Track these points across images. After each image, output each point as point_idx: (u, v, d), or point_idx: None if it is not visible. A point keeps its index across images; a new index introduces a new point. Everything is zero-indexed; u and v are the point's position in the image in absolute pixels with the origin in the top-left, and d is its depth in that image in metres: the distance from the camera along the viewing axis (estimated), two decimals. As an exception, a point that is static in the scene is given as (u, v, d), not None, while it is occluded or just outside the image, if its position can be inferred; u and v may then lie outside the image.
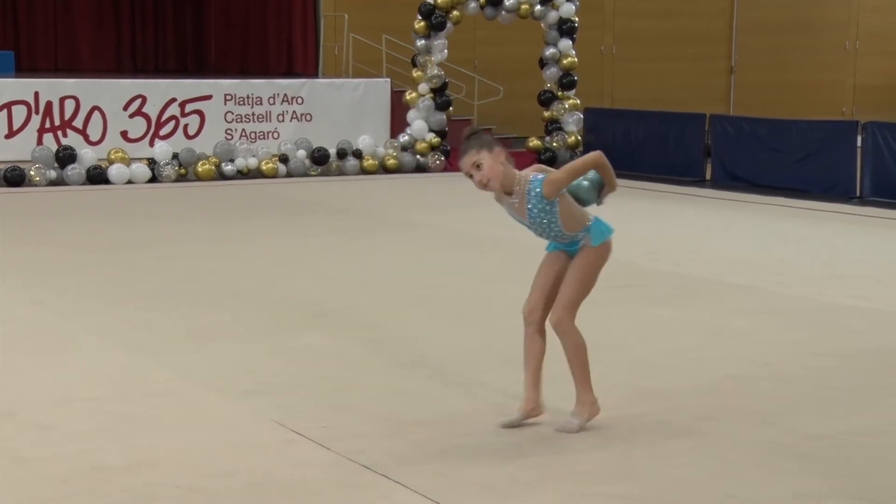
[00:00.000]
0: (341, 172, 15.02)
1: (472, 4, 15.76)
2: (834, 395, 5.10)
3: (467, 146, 4.50)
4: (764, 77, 21.74)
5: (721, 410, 4.89)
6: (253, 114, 15.08)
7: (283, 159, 14.71)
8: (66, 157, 13.46)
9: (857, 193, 12.20)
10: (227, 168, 14.32)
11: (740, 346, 6.02)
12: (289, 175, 14.62)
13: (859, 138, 12.41)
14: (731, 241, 9.70)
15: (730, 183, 13.62)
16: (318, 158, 14.88)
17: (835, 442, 4.49)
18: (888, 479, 4.10)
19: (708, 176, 14.13)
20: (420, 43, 15.73)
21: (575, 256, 4.75)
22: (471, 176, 4.51)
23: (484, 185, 4.52)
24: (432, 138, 15.60)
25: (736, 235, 10.01)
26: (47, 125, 13.82)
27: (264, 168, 14.49)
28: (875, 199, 11.92)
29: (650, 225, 10.67)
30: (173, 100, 14.50)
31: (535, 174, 4.59)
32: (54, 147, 13.59)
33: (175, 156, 14.03)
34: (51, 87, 13.89)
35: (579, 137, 15.99)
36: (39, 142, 13.65)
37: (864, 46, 22.31)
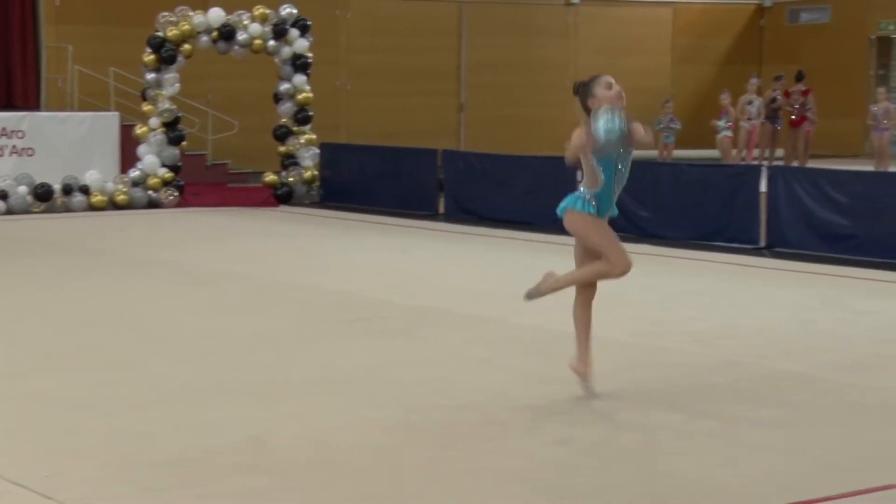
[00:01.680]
0: (67, 209, 14.40)
1: (204, 38, 15.54)
2: (562, 420, 5.33)
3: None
4: (491, 113, 22.58)
5: (456, 439, 5.01)
6: (-32, 148, 14.24)
7: (3, 195, 13.94)
8: None
9: (580, 225, 12.82)
10: (-60, 205, 13.43)
11: (475, 375, 6.19)
12: (9, 212, 13.88)
13: (579, 173, 13.06)
14: (464, 272, 9.99)
15: (462, 216, 14.02)
16: (42, 195, 14.21)
17: (567, 463, 4.69)
18: (615, 499, 4.32)
19: (441, 210, 14.49)
20: (150, 76, 15.35)
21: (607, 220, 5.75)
22: (611, 87, 5.53)
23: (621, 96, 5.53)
24: (165, 173, 15.22)
25: (469, 267, 10.31)
26: None
27: (-19, 205, 13.69)
28: (596, 231, 12.57)
29: (386, 259, 10.83)
30: None
31: None
32: None
33: None
34: None
35: (315, 172, 16.04)
36: None
37: (583, 86, 23.58)
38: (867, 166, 17.04)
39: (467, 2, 22.66)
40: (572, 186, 13.13)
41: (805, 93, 19.70)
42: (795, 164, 18.59)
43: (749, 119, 19.28)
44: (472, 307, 8.19)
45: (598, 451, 4.85)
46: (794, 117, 19.52)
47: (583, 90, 5.65)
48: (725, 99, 19.06)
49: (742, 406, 5.57)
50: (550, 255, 11.11)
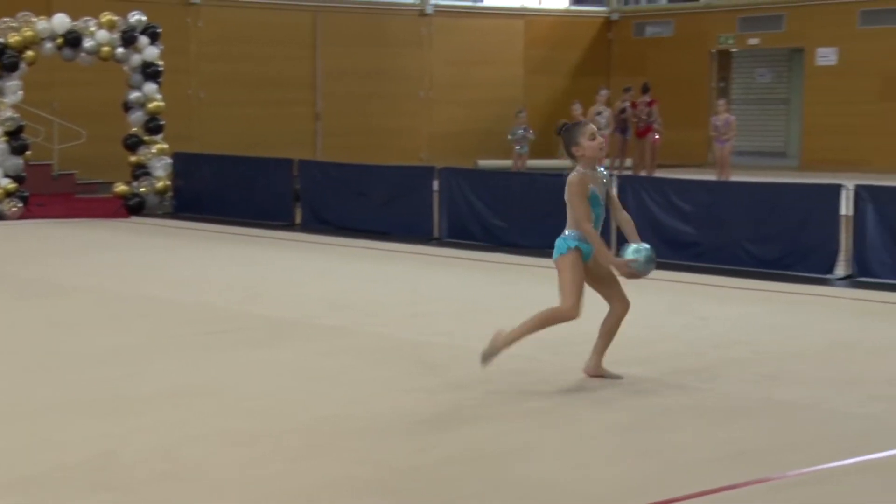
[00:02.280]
0: None
1: (49, 45, 15.10)
2: (420, 429, 5.37)
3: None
4: (348, 123, 22.57)
5: (312, 450, 4.99)
6: None
7: None
8: None
9: (436, 235, 12.94)
10: None
11: (333, 385, 6.18)
12: None
13: (435, 182, 13.20)
14: (321, 283, 9.96)
15: (319, 226, 13.97)
16: None
17: (425, 473, 4.73)
18: None
19: (298, 220, 14.41)
20: (-9, 83, 14.82)
21: (593, 262, 6.12)
22: (594, 138, 6.07)
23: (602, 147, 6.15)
24: (8, 184, 14.72)
25: (326, 278, 10.28)
26: None
27: None
28: (451, 241, 12.71)
29: (242, 270, 10.71)
30: None
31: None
32: None
33: None
34: None
35: (168, 182, 15.75)
36: None
37: (437, 95, 23.83)
38: (710, 175, 17.69)
39: (321, 11, 22.61)
40: (428, 197, 13.35)
41: (650, 104, 20.34)
42: (643, 173, 19.16)
43: (599, 129, 19.73)
44: (329, 318, 8.18)
45: (454, 458, 4.91)
46: (640, 126, 20.14)
47: (567, 135, 6.12)
48: (576, 110, 19.49)
49: (594, 411, 5.72)
50: (406, 265, 11.17)
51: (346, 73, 22.57)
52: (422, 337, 7.54)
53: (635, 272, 6.07)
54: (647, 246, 6.10)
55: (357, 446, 5.07)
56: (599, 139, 6.10)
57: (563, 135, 6.17)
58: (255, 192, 14.85)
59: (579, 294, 6.04)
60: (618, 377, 6.26)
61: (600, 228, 6.19)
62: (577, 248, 6.06)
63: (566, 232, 6.16)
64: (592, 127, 6.14)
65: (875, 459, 4.89)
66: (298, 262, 11.27)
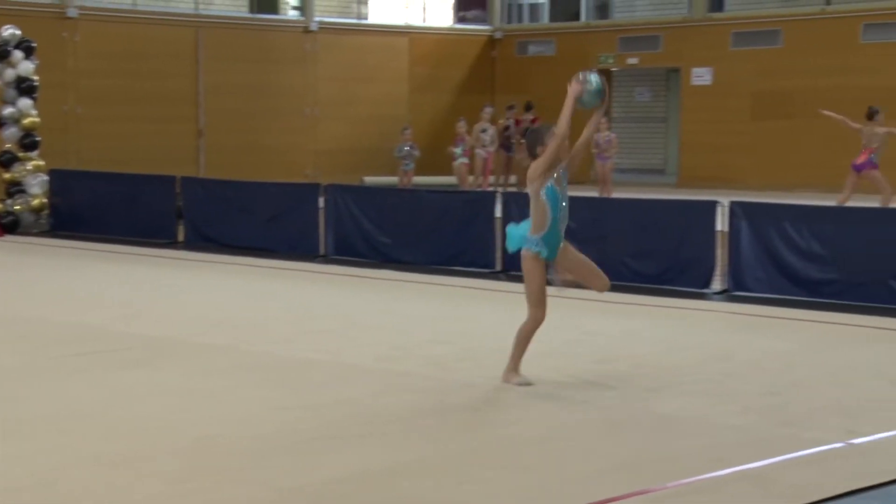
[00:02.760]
0: None
1: (-82, 57, 14.58)
2: (304, 447, 5.33)
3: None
4: (232, 139, 22.32)
5: (194, 472, 4.92)
6: None
7: None
8: None
9: (322, 252, 12.89)
10: None
11: (215, 405, 6.10)
12: None
13: (321, 199, 13.14)
14: (204, 301, 9.82)
15: (202, 244, 13.78)
16: None
17: (309, 492, 4.70)
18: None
19: (180, 237, 14.18)
20: None
21: (567, 249, 6.51)
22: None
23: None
24: None
25: (209, 296, 10.14)
26: None
27: None
28: (337, 258, 12.67)
29: (122, 288, 10.49)
30: None
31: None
32: None
33: None
34: None
35: (45, 200, 15.35)
36: None
37: (322, 112, 23.74)
38: (593, 192, 18.01)
39: (203, 26, 22.34)
40: (314, 214, 13.28)
41: (533, 121, 20.60)
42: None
43: (484, 146, 19.96)
44: (211, 336, 8.06)
45: (340, 477, 4.89)
46: (523, 142, 20.42)
47: (532, 136, 6.44)
48: (461, 127, 19.65)
49: (478, 427, 5.76)
50: (292, 282, 11.09)
51: (229, 89, 22.33)
52: (307, 354, 7.49)
53: (581, 85, 6.39)
54: (597, 82, 6.41)
55: (241, 466, 5.01)
56: (566, 142, 6.35)
57: (528, 136, 6.47)
58: (137, 210, 14.57)
59: (544, 299, 6.43)
60: (526, 383, 6.51)
61: (562, 232, 6.44)
62: (537, 254, 6.38)
63: (530, 236, 6.42)
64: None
65: (751, 469, 5.04)
66: (181, 281, 11.09)
